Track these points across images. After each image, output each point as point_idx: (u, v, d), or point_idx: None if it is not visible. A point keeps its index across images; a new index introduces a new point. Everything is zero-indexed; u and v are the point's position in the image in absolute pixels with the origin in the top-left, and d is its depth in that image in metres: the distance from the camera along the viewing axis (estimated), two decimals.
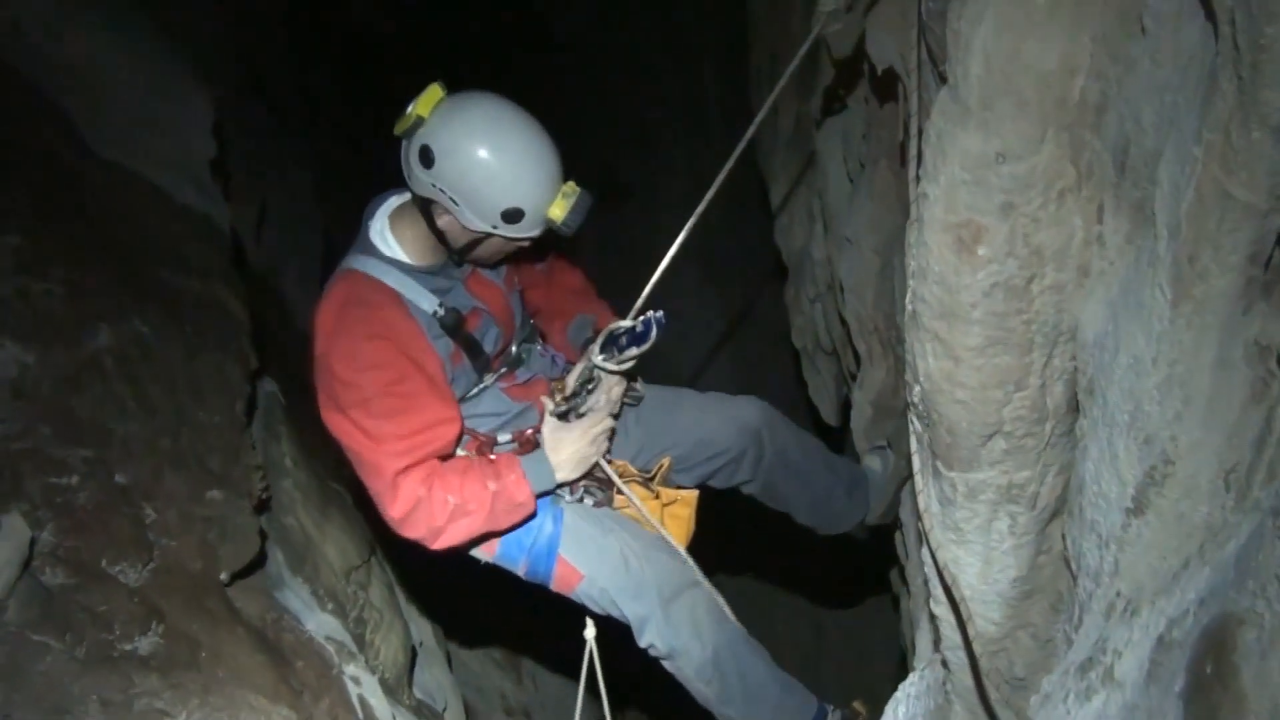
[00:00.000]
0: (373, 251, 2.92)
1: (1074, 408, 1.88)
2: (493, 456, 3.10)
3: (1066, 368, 1.86)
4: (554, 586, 3.16)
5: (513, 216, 2.76)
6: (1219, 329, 1.45)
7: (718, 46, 7.68)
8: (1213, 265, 1.41)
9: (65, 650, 2.53)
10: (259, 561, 3.34)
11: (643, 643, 3.12)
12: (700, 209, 2.81)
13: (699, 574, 3.19)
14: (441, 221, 2.82)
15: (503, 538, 3.10)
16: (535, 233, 2.85)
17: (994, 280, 1.77)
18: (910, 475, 2.45)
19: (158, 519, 3.00)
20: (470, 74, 9.95)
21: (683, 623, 3.06)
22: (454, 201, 2.74)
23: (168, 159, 4.44)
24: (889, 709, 2.73)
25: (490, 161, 2.69)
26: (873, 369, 3.82)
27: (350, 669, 3.37)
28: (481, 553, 3.13)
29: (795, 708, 3.26)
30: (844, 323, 4.09)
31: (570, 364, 3.30)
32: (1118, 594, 1.62)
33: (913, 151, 2.20)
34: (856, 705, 3.47)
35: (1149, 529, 1.58)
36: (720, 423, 3.40)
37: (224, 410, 3.62)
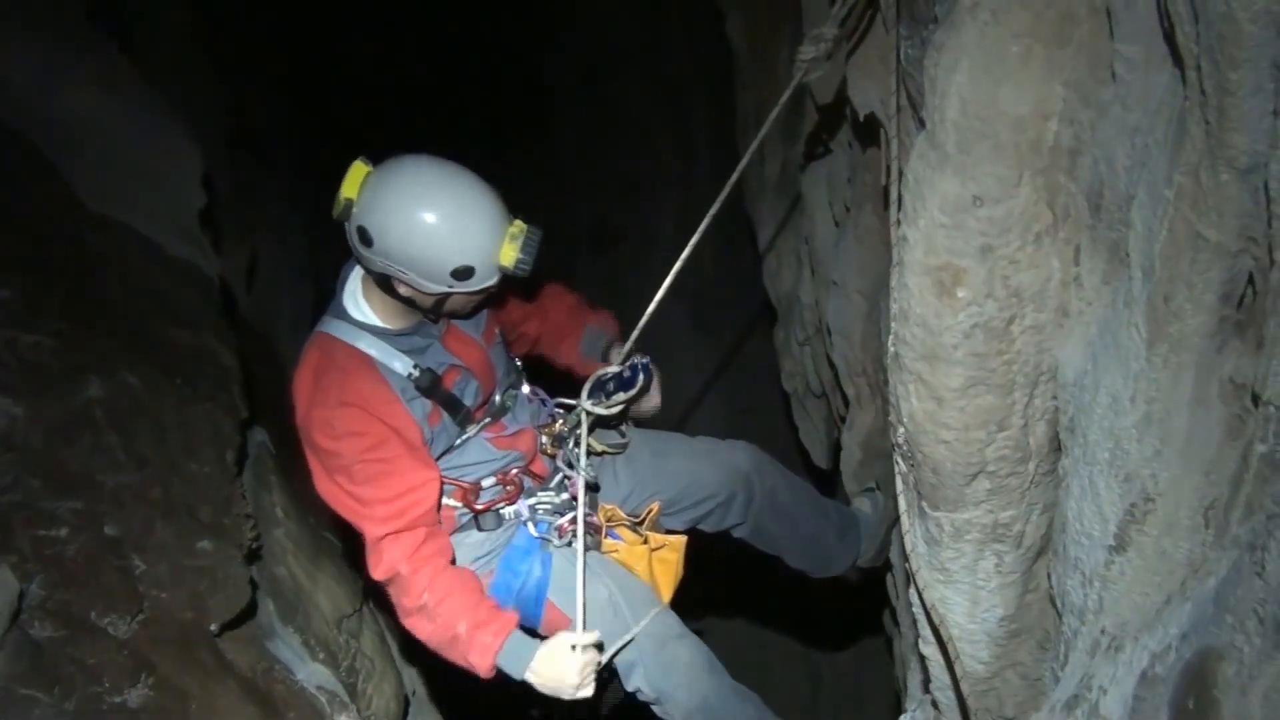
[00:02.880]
0: (345, 316, 2.92)
1: (1057, 447, 1.89)
2: (508, 531, 3.14)
3: (1048, 407, 1.88)
4: (542, 630, 3.14)
5: (463, 274, 2.73)
6: (1194, 367, 1.47)
7: (706, 95, 7.75)
8: (1187, 304, 1.44)
9: (54, 704, 2.51)
10: (250, 612, 3.32)
11: (630, 687, 3.11)
12: (686, 253, 2.82)
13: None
14: (402, 290, 2.79)
15: (492, 582, 3.09)
16: (492, 282, 2.80)
17: (974, 321, 1.79)
18: (899, 516, 2.46)
19: (148, 570, 2.99)
20: (462, 124, 10.02)
21: (671, 668, 3.05)
22: (404, 272, 2.71)
23: (157, 211, 4.47)
24: None
25: (425, 227, 2.65)
26: (861, 411, 3.84)
27: (342, 719, 3.35)
28: None
29: None
30: (832, 365, 4.11)
31: (578, 382, 3.27)
32: (1102, 631, 1.63)
33: (893, 195, 2.23)
34: None
35: (1131, 566, 1.59)
36: (709, 466, 3.40)
37: (214, 460, 3.62)
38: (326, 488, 2.85)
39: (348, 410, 2.78)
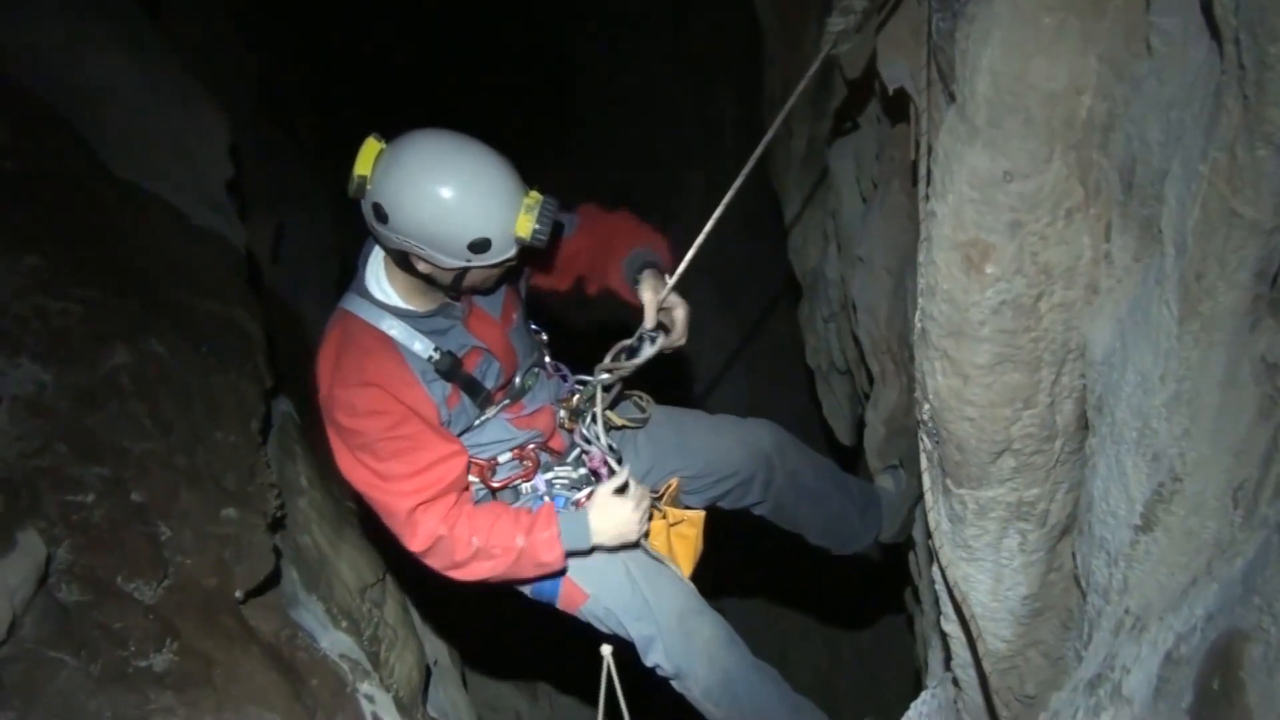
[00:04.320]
0: (368, 295, 2.91)
1: (1084, 425, 1.88)
2: (526, 504, 3.13)
3: (1075, 385, 1.86)
4: (559, 605, 3.15)
5: (480, 247, 2.69)
6: (1226, 346, 1.45)
7: (733, 71, 7.71)
8: (1219, 282, 1.42)
9: (80, 667, 2.54)
10: (273, 579, 3.35)
11: (649, 662, 3.11)
12: (710, 225, 2.80)
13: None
14: (421, 267, 2.76)
15: None
16: (510, 254, 2.77)
17: (1002, 298, 1.77)
18: (922, 494, 2.46)
19: (173, 537, 3.02)
20: (488, 101, 10.03)
21: (690, 644, 3.05)
22: (420, 247, 2.69)
23: (184, 180, 4.48)
24: None
25: (438, 202, 2.62)
26: (886, 389, 3.83)
27: (364, 687, 3.38)
28: None
29: None
30: (857, 342, 4.09)
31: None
32: (1126, 611, 1.62)
33: (923, 170, 2.20)
34: None
35: (1157, 546, 1.57)
36: (730, 445, 3.39)
37: (239, 429, 3.65)
38: (350, 465, 2.86)
39: (369, 390, 2.78)
